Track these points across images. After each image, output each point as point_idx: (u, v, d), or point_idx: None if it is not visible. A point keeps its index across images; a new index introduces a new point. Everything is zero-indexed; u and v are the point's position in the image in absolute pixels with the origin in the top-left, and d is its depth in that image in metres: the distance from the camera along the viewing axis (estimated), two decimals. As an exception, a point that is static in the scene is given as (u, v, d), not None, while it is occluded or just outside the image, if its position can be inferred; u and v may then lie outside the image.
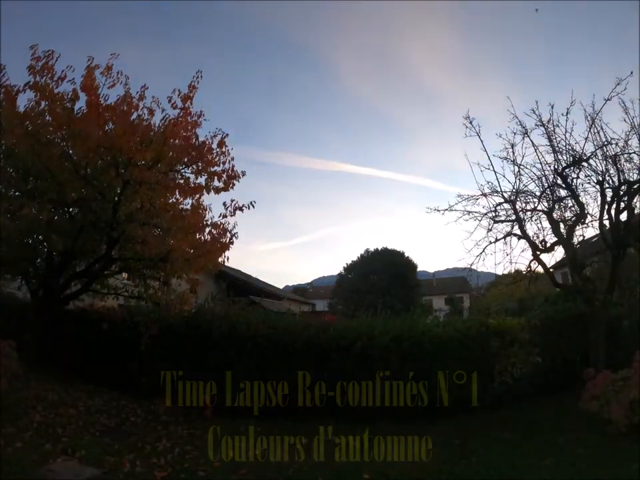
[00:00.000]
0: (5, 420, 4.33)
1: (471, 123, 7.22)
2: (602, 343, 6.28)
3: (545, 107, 6.70)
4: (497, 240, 7.26)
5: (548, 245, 7.06)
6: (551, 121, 6.64)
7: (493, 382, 6.30)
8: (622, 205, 6.36)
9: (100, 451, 4.12)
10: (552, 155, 6.73)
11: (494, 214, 7.27)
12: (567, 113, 6.48)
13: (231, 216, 6.65)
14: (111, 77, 5.88)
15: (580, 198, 6.70)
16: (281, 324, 6.24)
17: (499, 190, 7.18)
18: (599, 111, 6.33)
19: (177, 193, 6.48)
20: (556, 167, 6.69)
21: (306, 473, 4.09)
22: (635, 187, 6.29)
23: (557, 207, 6.97)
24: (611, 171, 6.38)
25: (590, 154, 6.43)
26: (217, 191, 6.65)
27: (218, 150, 6.48)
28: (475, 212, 7.36)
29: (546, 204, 7.01)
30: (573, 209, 6.88)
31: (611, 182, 6.39)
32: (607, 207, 6.41)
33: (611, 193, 6.39)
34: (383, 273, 37.55)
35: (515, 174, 7.06)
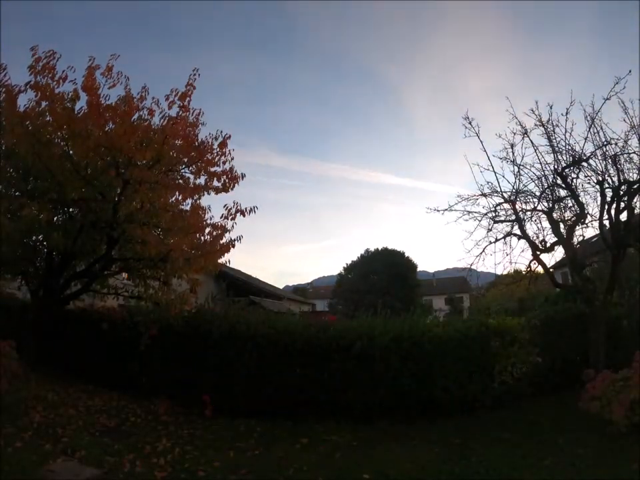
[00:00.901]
0: (5, 420, 4.34)
1: (470, 123, 7.23)
2: (602, 343, 6.28)
3: (544, 106, 6.71)
4: (496, 240, 7.27)
5: (548, 244, 7.06)
6: (551, 121, 6.65)
7: (492, 382, 6.30)
8: (622, 205, 6.36)
9: (100, 451, 4.13)
10: (552, 154, 6.74)
11: (494, 214, 7.28)
12: (567, 113, 6.49)
13: (232, 219, 6.64)
14: (111, 78, 5.87)
15: (580, 198, 6.70)
16: (281, 324, 6.24)
17: (499, 190, 7.19)
18: (599, 110, 6.34)
19: (177, 193, 6.47)
20: (556, 167, 6.70)
21: (306, 473, 4.08)
22: (635, 186, 6.29)
23: (556, 206, 6.97)
24: (611, 171, 6.38)
25: (590, 154, 6.43)
26: (217, 191, 6.65)
27: (218, 150, 6.47)
28: (475, 212, 7.37)
29: (546, 204, 7.01)
30: (573, 208, 6.89)
31: (610, 182, 6.39)
32: (606, 207, 6.40)
33: (611, 193, 6.39)
34: (383, 272, 37.55)
35: (514, 174, 7.07)
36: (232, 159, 6.57)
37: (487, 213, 7.29)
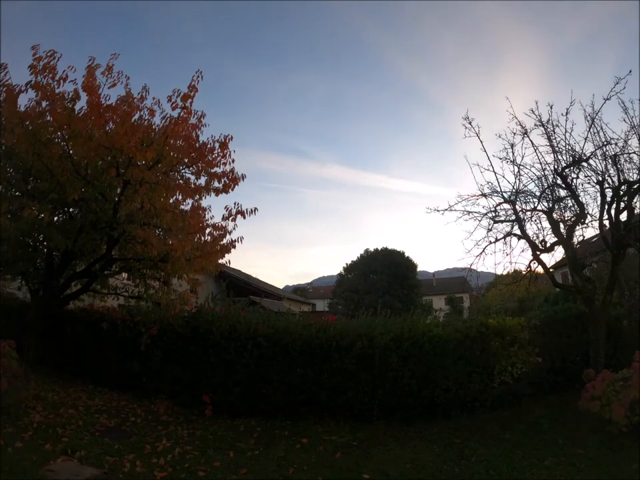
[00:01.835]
0: (5, 420, 4.34)
1: (470, 123, 7.22)
2: (602, 343, 6.28)
3: (544, 106, 6.71)
4: (496, 240, 7.25)
5: (548, 244, 7.05)
6: (551, 121, 6.64)
7: (492, 382, 6.30)
8: (622, 205, 6.35)
9: (100, 451, 4.13)
10: (552, 155, 6.73)
11: (494, 214, 7.27)
12: (567, 113, 6.48)
13: (233, 220, 6.64)
14: (111, 77, 5.87)
15: (580, 198, 6.69)
16: (281, 324, 6.24)
17: (499, 190, 7.19)
18: (599, 110, 6.33)
19: (178, 193, 6.47)
20: (556, 167, 6.69)
21: (306, 473, 4.09)
22: (635, 186, 6.29)
23: (556, 207, 6.96)
24: (611, 171, 6.37)
25: (590, 154, 6.42)
26: (217, 192, 6.65)
27: (219, 151, 6.47)
28: (475, 212, 7.36)
29: (546, 204, 7.00)
30: (573, 208, 6.88)
31: (610, 182, 6.39)
32: (606, 207, 6.40)
33: (611, 193, 6.38)
34: (382, 273, 37.56)
35: (514, 174, 7.06)
36: (233, 160, 6.58)
37: (486, 213, 7.29)
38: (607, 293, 6.54)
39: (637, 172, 6.28)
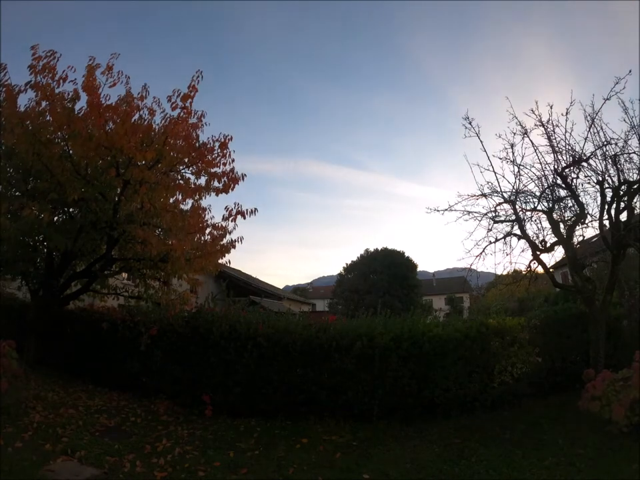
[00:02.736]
0: (5, 420, 4.34)
1: (470, 123, 7.21)
2: (602, 343, 6.27)
3: (544, 106, 6.70)
4: (496, 240, 7.24)
5: (548, 244, 7.04)
6: (551, 121, 6.64)
7: (492, 382, 6.30)
8: (622, 204, 6.34)
9: (100, 451, 4.13)
10: (552, 155, 6.72)
11: (494, 214, 7.26)
12: (567, 113, 6.47)
13: (233, 220, 6.64)
14: (111, 77, 5.86)
15: (580, 198, 6.68)
16: (281, 324, 6.24)
17: (499, 190, 7.18)
18: (599, 110, 6.32)
19: (178, 193, 6.47)
20: (556, 167, 6.68)
21: (306, 473, 4.09)
22: (635, 186, 6.28)
23: (556, 207, 6.95)
24: (611, 171, 6.36)
25: (590, 154, 6.41)
26: (217, 192, 6.65)
27: (219, 151, 6.47)
28: (475, 212, 7.34)
29: (546, 204, 6.99)
30: (573, 208, 6.87)
31: (610, 182, 6.38)
32: (606, 206, 6.39)
33: (611, 193, 6.37)
34: (382, 273, 37.55)
35: (514, 174, 7.05)
36: (233, 160, 6.58)
37: (486, 213, 7.28)
38: (607, 293, 6.53)
39: (637, 172, 6.28)
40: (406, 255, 39.83)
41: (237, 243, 6.86)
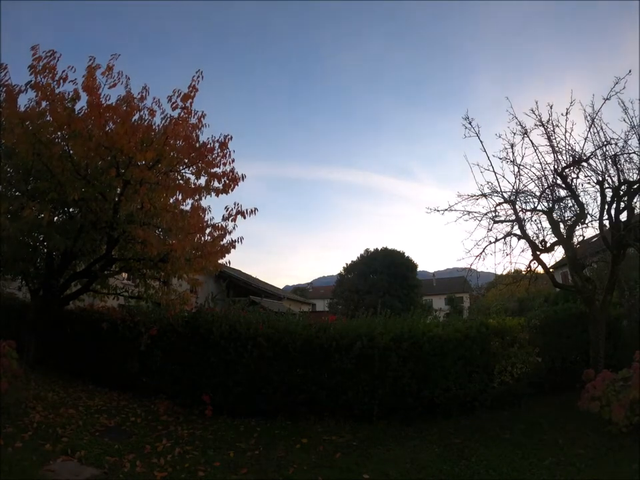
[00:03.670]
0: (5, 420, 4.34)
1: (470, 123, 7.21)
2: (602, 343, 6.28)
3: (544, 106, 6.71)
4: (496, 240, 7.24)
5: (548, 244, 7.04)
6: (551, 121, 6.64)
7: (492, 382, 6.30)
8: (622, 204, 6.35)
9: (100, 451, 4.13)
10: (552, 155, 6.72)
11: (494, 214, 7.26)
12: (567, 113, 6.47)
13: (232, 220, 6.64)
14: (112, 77, 5.87)
15: (580, 198, 6.68)
16: (281, 324, 6.24)
17: (499, 190, 7.18)
18: (599, 110, 6.33)
19: (178, 193, 6.47)
20: (556, 167, 6.68)
21: (306, 473, 4.09)
22: (635, 186, 6.28)
23: (556, 207, 6.95)
24: (611, 171, 6.36)
25: (590, 154, 6.42)
26: (217, 192, 6.64)
27: (219, 152, 6.47)
28: (475, 212, 7.35)
29: (546, 204, 7.00)
30: (573, 208, 6.87)
31: (610, 182, 6.38)
32: (606, 207, 6.39)
33: (611, 193, 6.38)
34: (382, 273, 37.56)
35: (514, 174, 7.05)
36: (232, 160, 6.57)
37: (486, 213, 7.28)
38: (607, 293, 6.53)
39: (637, 172, 6.28)
40: (406, 254, 39.88)
41: (237, 243, 6.86)
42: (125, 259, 6.85)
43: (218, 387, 5.99)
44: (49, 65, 5.63)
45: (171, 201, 6.57)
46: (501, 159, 7.09)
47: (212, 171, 6.50)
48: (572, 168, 6.60)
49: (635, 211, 6.46)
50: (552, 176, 6.80)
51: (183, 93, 6.08)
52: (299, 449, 4.73)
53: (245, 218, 6.60)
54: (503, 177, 7.15)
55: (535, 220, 7.17)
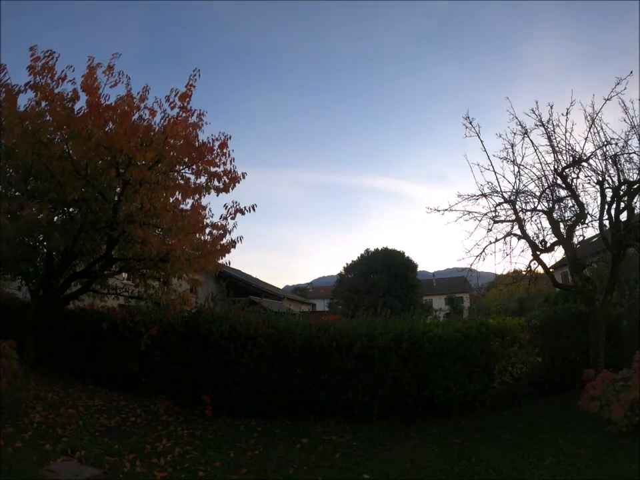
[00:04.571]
0: (5, 420, 4.33)
1: (470, 123, 7.21)
2: (602, 343, 6.28)
3: (544, 106, 6.71)
4: (496, 240, 7.24)
5: (548, 244, 7.04)
6: (551, 121, 6.64)
7: (492, 382, 6.30)
8: (622, 204, 6.35)
9: (100, 451, 4.13)
10: (552, 155, 6.73)
11: (494, 214, 7.26)
12: (567, 113, 6.48)
13: (232, 218, 6.64)
14: (112, 77, 5.86)
15: (580, 198, 6.68)
16: (281, 324, 6.24)
17: (499, 190, 7.18)
18: (599, 110, 6.33)
19: (178, 192, 6.46)
20: (556, 167, 6.68)
21: (306, 473, 4.09)
22: (635, 186, 6.28)
23: (556, 207, 6.95)
24: (611, 171, 6.37)
25: (590, 154, 6.42)
26: (217, 191, 6.64)
27: (219, 151, 6.46)
28: (475, 212, 7.35)
29: (546, 204, 7.00)
30: (573, 208, 6.87)
31: (610, 182, 6.38)
32: (606, 207, 6.40)
33: (611, 193, 6.38)
34: (383, 273, 37.56)
35: (514, 174, 7.06)
36: (232, 159, 6.58)
37: (486, 213, 7.28)
38: (607, 293, 6.54)
39: (637, 172, 6.28)
40: (406, 255, 39.89)
41: (237, 242, 6.86)
42: (124, 259, 6.85)
43: (218, 386, 5.99)
44: (47, 65, 5.62)
45: (171, 200, 6.57)
46: (501, 158, 7.10)
47: (212, 170, 6.50)
48: (572, 168, 6.60)
49: (635, 211, 6.47)
50: (552, 176, 6.80)
51: (180, 92, 6.08)
52: (298, 449, 4.73)
53: (243, 214, 6.61)
54: (503, 176, 7.17)
55: (535, 220, 7.18)
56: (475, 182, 7.68)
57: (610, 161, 6.32)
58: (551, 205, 6.92)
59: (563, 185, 6.69)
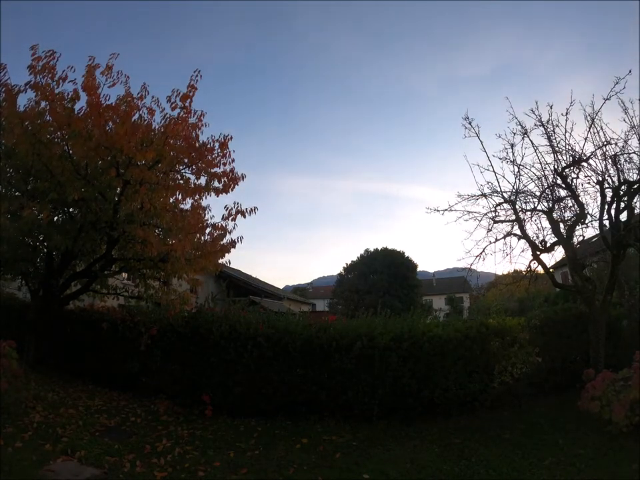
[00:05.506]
0: (5, 420, 4.33)
1: (470, 123, 7.22)
2: (602, 343, 6.28)
3: (544, 106, 6.71)
4: (496, 240, 7.25)
5: (548, 244, 7.05)
6: (551, 121, 6.64)
7: (492, 382, 6.30)
8: (622, 205, 6.35)
9: (100, 451, 4.13)
10: (552, 155, 6.73)
11: (494, 214, 7.27)
12: (567, 113, 6.48)
13: (233, 220, 6.64)
14: (111, 77, 5.86)
15: (580, 198, 6.69)
16: (281, 324, 6.24)
17: (499, 190, 7.19)
18: (599, 110, 6.33)
19: (178, 193, 6.47)
20: (556, 167, 6.69)
21: (306, 473, 4.09)
22: (635, 186, 6.29)
23: (556, 207, 6.96)
24: (611, 171, 6.38)
25: (590, 154, 6.43)
26: (217, 192, 6.64)
27: (219, 151, 6.47)
28: (475, 212, 7.36)
29: (546, 204, 7.00)
30: (573, 208, 6.88)
31: (610, 182, 6.39)
32: (606, 207, 6.40)
33: (611, 193, 6.38)
34: (382, 273, 37.54)
35: (514, 174, 7.06)
36: (232, 160, 6.57)
37: (487, 213, 7.29)
38: (607, 293, 6.53)
39: (637, 172, 6.29)
40: (406, 254, 39.87)
41: (238, 242, 6.86)
42: (124, 259, 6.85)
43: (218, 387, 5.99)
44: (48, 64, 5.63)
45: (171, 200, 6.57)
46: (500, 158, 7.11)
47: (212, 170, 6.51)
48: (572, 168, 6.61)
49: (635, 211, 6.47)
50: (552, 176, 6.81)
51: (182, 93, 6.08)
52: (299, 449, 4.73)
53: (244, 217, 6.61)
54: (503, 176, 7.18)
55: (535, 220, 7.19)
56: (475, 182, 7.69)
57: (610, 161, 6.33)
58: (550, 205, 6.93)
59: (563, 185, 6.70)
